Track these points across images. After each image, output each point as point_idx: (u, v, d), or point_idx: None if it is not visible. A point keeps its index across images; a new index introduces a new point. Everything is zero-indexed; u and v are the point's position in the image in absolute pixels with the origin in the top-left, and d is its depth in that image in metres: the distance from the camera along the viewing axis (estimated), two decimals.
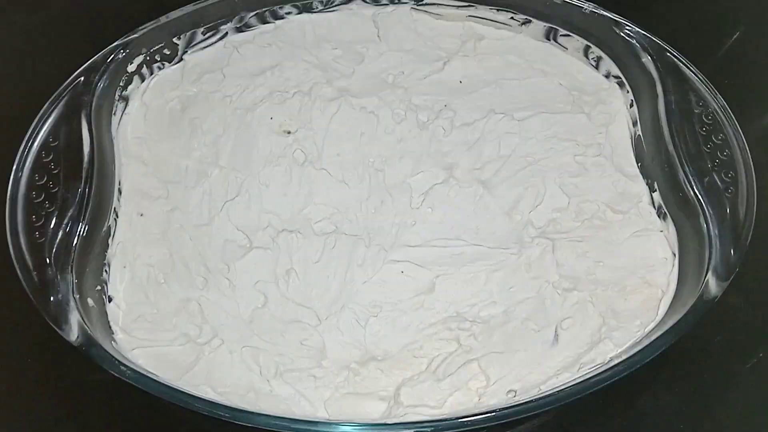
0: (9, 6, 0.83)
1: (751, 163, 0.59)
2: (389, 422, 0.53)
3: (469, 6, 0.73)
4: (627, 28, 0.67)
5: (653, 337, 0.53)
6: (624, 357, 0.52)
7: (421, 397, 0.54)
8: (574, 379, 0.53)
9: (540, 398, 0.50)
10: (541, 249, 0.61)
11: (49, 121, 0.61)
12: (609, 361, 0.54)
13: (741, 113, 0.62)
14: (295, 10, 0.74)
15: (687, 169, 0.60)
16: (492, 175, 0.65)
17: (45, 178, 0.58)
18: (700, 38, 0.81)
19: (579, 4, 0.69)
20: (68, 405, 0.61)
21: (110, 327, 0.57)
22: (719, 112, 0.62)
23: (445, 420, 0.50)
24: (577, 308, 0.58)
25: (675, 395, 0.61)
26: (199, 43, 0.72)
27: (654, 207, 0.63)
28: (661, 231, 0.62)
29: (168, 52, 0.71)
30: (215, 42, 0.73)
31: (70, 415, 0.61)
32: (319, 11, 0.74)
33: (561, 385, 0.52)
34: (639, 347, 0.53)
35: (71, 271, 0.55)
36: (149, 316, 0.58)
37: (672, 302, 0.58)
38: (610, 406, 0.60)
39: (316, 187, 0.64)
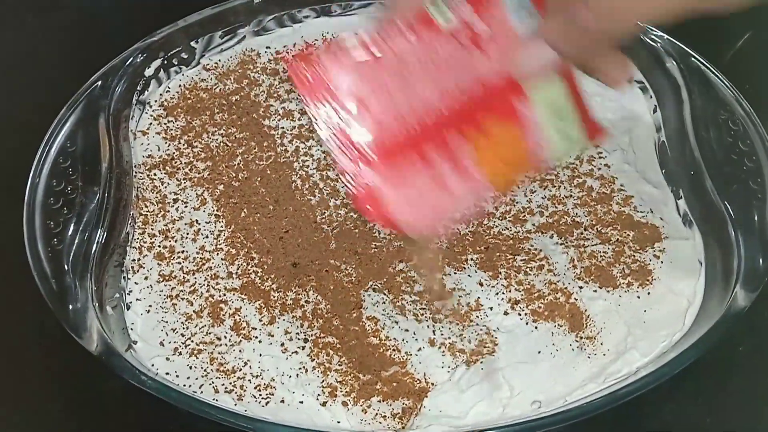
0: (23, 8, 0.83)
1: None
2: None
3: None
4: (650, 32, 0.66)
5: (682, 348, 0.52)
6: (652, 368, 0.51)
7: (444, 407, 0.54)
8: (601, 390, 0.52)
9: (568, 410, 0.50)
10: (564, 256, 0.60)
11: (67, 125, 0.60)
12: (636, 371, 0.53)
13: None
14: (313, 14, 0.73)
15: (713, 175, 0.59)
16: None
17: (63, 184, 0.58)
18: (711, 40, 0.80)
19: None
20: (83, 413, 0.60)
21: (129, 335, 0.56)
22: (745, 118, 0.61)
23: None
24: (602, 317, 0.57)
25: (700, 406, 0.60)
26: (217, 46, 0.72)
27: (679, 214, 0.62)
28: (687, 239, 0.61)
29: (185, 56, 0.70)
30: (233, 45, 0.72)
31: (85, 424, 0.60)
32: (338, 15, 0.74)
33: (588, 396, 0.51)
34: (667, 358, 0.52)
35: (90, 279, 0.54)
36: (168, 324, 0.57)
37: (699, 312, 0.57)
38: (634, 417, 0.59)
39: None
